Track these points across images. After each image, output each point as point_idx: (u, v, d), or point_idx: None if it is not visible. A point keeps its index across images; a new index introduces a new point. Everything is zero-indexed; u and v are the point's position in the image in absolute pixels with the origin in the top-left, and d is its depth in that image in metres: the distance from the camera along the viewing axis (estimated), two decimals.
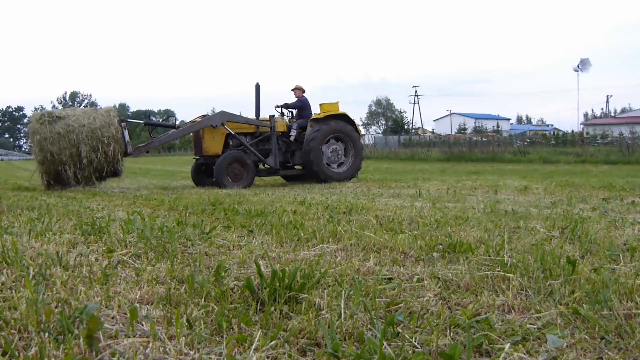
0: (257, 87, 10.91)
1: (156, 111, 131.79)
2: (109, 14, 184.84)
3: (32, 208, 5.44)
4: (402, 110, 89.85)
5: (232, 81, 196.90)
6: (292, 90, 11.58)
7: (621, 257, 2.69)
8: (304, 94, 11.53)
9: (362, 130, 40.08)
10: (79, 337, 1.59)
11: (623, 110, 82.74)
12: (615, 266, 2.53)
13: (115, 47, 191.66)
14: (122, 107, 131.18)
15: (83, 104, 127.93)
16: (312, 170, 10.77)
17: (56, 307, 1.92)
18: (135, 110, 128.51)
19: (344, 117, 11.19)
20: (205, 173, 11.04)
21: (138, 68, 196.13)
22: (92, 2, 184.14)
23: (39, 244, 3.17)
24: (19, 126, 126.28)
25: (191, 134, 10.89)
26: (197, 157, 10.87)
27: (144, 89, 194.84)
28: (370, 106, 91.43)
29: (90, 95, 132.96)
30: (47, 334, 1.64)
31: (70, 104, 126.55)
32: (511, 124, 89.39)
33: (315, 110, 11.50)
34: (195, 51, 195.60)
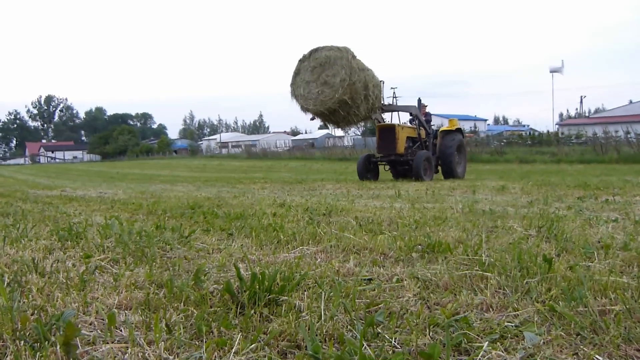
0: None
1: (133, 114, 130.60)
2: (84, 16, 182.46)
3: (7, 214, 5.34)
4: None
5: (222, 84, 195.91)
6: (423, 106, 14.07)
7: (595, 255, 2.74)
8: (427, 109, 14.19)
9: (341, 133, 40.53)
10: (56, 344, 1.56)
11: (597, 111, 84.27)
12: (590, 263, 2.57)
13: (91, 50, 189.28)
14: (99, 111, 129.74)
15: (58, 109, 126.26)
16: (450, 171, 13.07)
17: (32, 315, 1.89)
18: (112, 113, 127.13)
19: (460, 130, 14.04)
20: (371, 169, 12.83)
21: (114, 71, 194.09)
22: (67, 4, 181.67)
23: (14, 250, 3.11)
24: None
25: (376, 130, 13.12)
26: (381, 155, 12.73)
27: (120, 92, 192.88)
28: None
29: (66, 99, 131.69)
30: (23, 342, 1.61)
31: (46, 107, 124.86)
32: (488, 124, 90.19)
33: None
34: (172, 54, 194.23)
